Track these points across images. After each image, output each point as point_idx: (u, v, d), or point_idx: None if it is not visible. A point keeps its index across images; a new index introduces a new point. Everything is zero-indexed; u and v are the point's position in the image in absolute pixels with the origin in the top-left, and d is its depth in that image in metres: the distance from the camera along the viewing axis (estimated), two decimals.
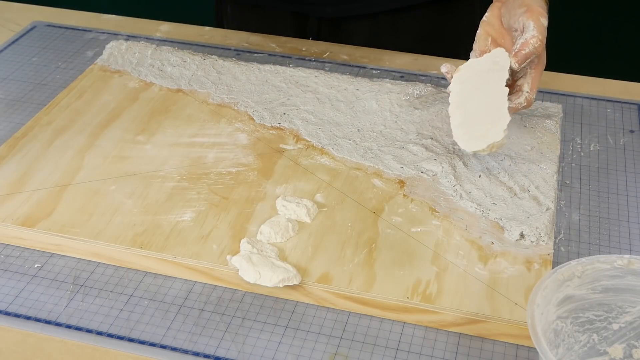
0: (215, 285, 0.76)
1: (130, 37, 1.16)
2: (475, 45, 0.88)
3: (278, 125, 0.94)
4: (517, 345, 0.70)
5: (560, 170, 0.90)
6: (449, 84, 0.87)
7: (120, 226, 0.79)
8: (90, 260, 0.78)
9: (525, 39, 0.82)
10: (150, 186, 0.85)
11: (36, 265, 0.78)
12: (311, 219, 0.80)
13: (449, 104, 0.86)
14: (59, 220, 0.80)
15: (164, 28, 1.20)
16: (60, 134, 0.92)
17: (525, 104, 0.84)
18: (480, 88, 0.84)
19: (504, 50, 0.85)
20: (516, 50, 0.82)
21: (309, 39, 1.17)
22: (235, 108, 0.97)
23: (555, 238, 0.81)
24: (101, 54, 1.08)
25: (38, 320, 0.72)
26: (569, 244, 0.81)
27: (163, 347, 0.70)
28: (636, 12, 2.17)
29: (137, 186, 0.84)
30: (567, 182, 0.89)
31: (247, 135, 0.92)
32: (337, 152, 0.90)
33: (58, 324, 0.72)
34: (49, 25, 1.20)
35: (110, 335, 0.71)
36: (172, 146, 0.91)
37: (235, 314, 0.73)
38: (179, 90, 1.01)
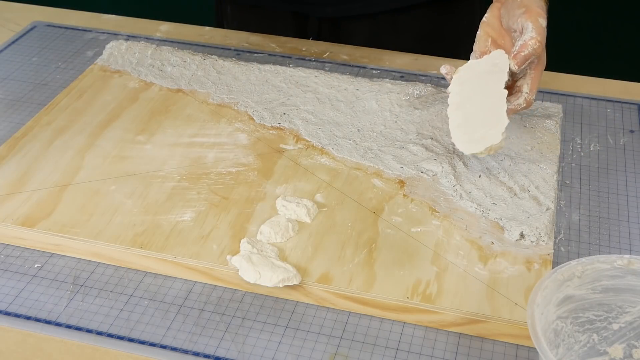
0: (215, 285, 0.76)
1: (130, 37, 1.16)
2: (475, 46, 0.88)
3: (278, 125, 0.94)
4: (517, 345, 0.70)
5: (560, 170, 0.90)
6: (449, 84, 0.87)
7: (120, 226, 0.79)
8: (90, 260, 0.78)
9: (524, 40, 0.82)
10: (150, 186, 0.85)
11: (36, 265, 0.78)
12: (311, 219, 0.80)
13: (448, 104, 0.86)
14: (59, 220, 0.80)
15: (164, 28, 1.20)
16: (60, 134, 0.92)
17: (525, 105, 0.84)
18: (479, 90, 0.84)
19: (504, 52, 0.85)
20: (515, 52, 0.82)
21: (309, 39, 1.17)
22: (235, 108, 0.97)
23: (555, 238, 0.81)
24: (101, 54, 1.08)
25: (38, 320, 0.72)
26: (569, 244, 0.81)
27: (163, 347, 0.70)
28: (636, 12, 2.17)
29: (137, 186, 0.85)
30: (567, 182, 0.89)
31: (247, 135, 0.92)
32: (337, 152, 0.90)
33: (58, 324, 0.72)
34: (49, 25, 1.20)
35: (110, 335, 0.71)
36: (172, 146, 0.91)
37: (235, 314, 0.73)
38: (179, 90, 1.01)
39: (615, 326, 0.66)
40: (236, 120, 0.95)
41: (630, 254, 0.71)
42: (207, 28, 1.20)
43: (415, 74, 1.08)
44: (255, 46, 1.15)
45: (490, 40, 0.88)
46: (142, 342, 0.70)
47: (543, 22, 0.83)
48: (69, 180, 0.85)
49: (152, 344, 0.70)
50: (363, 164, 0.88)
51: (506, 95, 0.83)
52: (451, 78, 0.87)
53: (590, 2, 2.17)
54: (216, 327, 0.72)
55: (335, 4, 1.14)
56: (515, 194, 0.83)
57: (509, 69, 0.83)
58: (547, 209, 0.80)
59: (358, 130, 0.93)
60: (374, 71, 1.08)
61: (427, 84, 1.00)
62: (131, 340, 0.70)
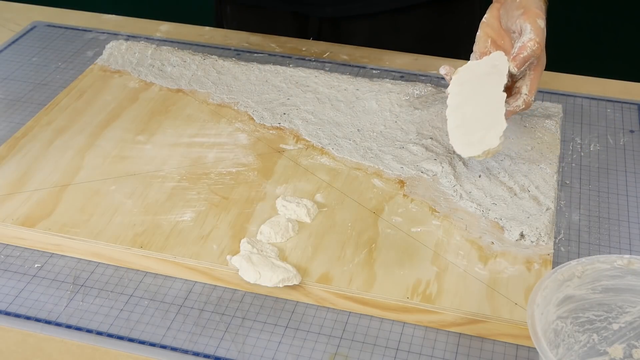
0: (215, 285, 0.76)
1: (130, 37, 1.16)
2: (475, 47, 0.88)
3: (278, 125, 0.94)
4: (517, 345, 0.70)
5: (560, 170, 0.90)
6: (449, 85, 0.87)
7: (120, 226, 0.79)
8: (90, 260, 0.78)
9: (523, 42, 0.82)
10: (150, 186, 0.85)
11: (36, 265, 0.78)
12: (311, 219, 0.80)
13: (447, 105, 0.86)
14: (59, 220, 0.80)
15: (164, 28, 1.20)
16: (60, 134, 0.92)
17: (524, 106, 0.84)
18: (478, 92, 0.84)
19: (503, 54, 0.85)
20: (514, 54, 0.82)
21: (309, 39, 1.17)
22: (235, 108, 0.97)
23: (555, 238, 0.81)
24: (101, 54, 1.08)
25: (38, 320, 0.72)
26: (569, 244, 0.81)
27: (163, 347, 0.70)
28: (636, 12, 2.17)
29: (137, 186, 0.85)
30: (567, 182, 0.89)
31: (247, 135, 0.92)
32: (337, 152, 0.90)
33: (58, 324, 0.72)
34: (49, 25, 1.20)
35: (110, 335, 0.71)
36: (172, 146, 0.91)
37: (235, 314, 0.73)
38: (179, 90, 1.01)
39: (615, 326, 0.66)
40: (236, 120, 0.95)
41: (630, 254, 0.71)
42: (207, 28, 1.20)
43: (415, 74, 1.08)
44: (255, 46, 1.15)
45: (489, 41, 0.87)
46: (142, 342, 0.70)
47: (542, 22, 0.83)
48: (69, 180, 0.85)
49: (152, 344, 0.70)
50: (363, 164, 0.88)
51: (505, 98, 0.82)
52: (450, 79, 0.87)
53: (590, 2, 2.17)
54: (216, 327, 0.72)
55: (335, 4, 1.14)
56: (515, 194, 0.83)
57: (509, 71, 0.83)
58: (547, 209, 0.80)
59: (358, 130, 0.93)
60: (374, 71, 1.08)
61: (427, 84, 1.00)
62: (131, 340, 0.70)
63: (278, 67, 1.04)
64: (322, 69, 1.06)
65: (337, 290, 0.73)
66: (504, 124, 0.81)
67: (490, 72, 0.84)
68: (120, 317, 0.72)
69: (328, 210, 0.82)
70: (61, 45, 1.15)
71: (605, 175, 0.90)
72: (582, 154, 0.93)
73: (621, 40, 2.19)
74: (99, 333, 0.71)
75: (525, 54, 0.81)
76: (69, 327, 0.72)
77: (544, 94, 1.03)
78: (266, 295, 0.75)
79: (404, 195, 0.84)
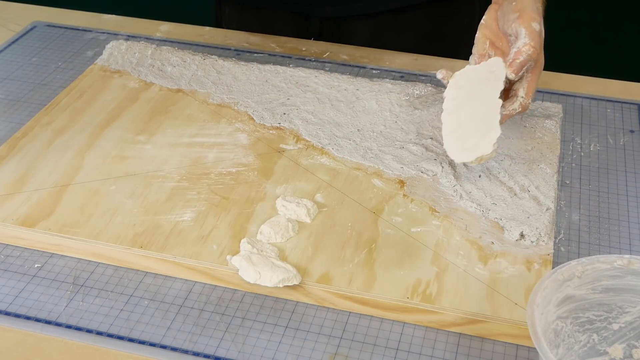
0: (215, 285, 0.76)
1: (130, 37, 1.16)
2: (473, 49, 0.88)
3: (278, 125, 0.94)
4: (517, 345, 0.70)
5: (560, 170, 0.90)
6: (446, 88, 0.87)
7: (120, 226, 0.79)
8: (90, 260, 0.78)
9: (518, 47, 0.81)
10: (150, 186, 0.85)
11: (36, 265, 0.78)
12: (311, 219, 0.80)
13: (442, 110, 0.86)
14: (59, 220, 0.80)
15: (164, 28, 1.20)
16: (60, 134, 0.92)
17: (520, 109, 0.84)
18: (474, 97, 0.84)
19: (501, 60, 0.84)
20: (511, 60, 0.82)
21: (310, 39, 1.17)
22: (235, 108, 0.97)
23: (555, 238, 0.81)
24: (101, 54, 1.08)
25: (38, 320, 0.72)
26: (569, 244, 0.81)
27: (163, 347, 0.70)
28: (636, 12, 2.17)
29: (137, 186, 0.85)
30: (567, 182, 0.89)
31: (247, 135, 0.92)
32: (337, 152, 0.90)
33: (58, 324, 0.72)
34: (49, 25, 1.20)
35: (110, 335, 0.71)
36: (172, 146, 0.91)
37: (235, 314, 0.73)
38: (179, 90, 1.01)
39: (615, 326, 0.66)
40: (236, 120, 0.95)
41: (630, 254, 0.71)
42: (207, 28, 1.20)
43: (415, 74, 1.08)
44: (255, 46, 1.15)
45: (488, 43, 0.87)
46: (142, 342, 0.70)
47: (537, 26, 0.82)
48: (69, 180, 0.85)
49: (152, 344, 0.70)
50: (363, 164, 0.88)
51: (500, 104, 0.82)
52: (447, 83, 0.87)
53: (590, 2, 2.17)
54: (216, 327, 0.72)
55: (335, 4, 1.14)
56: (515, 194, 0.83)
57: (506, 78, 0.82)
58: (547, 209, 0.80)
59: (358, 130, 0.93)
60: (374, 71, 1.08)
61: (427, 84, 1.00)
62: (131, 340, 0.70)
63: (278, 67, 1.04)
64: (322, 69, 1.06)
65: (337, 290, 0.73)
66: (498, 131, 0.81)
67: (487, 78, 0.84)
68: (120, 317, 0.72)
69: (328, 210, 0.82)
70: (61, 45, 1.15)
71: (605, 175, 0.90)
72: (582, 154, 0.93)
73: (621, 40, 2.19)
74: (99, 333, 0.71)
75: (522, 59, 0.81)
76: (69, 327, 0.72)
77: (544, 94, 1.03)
78: (266, 295, 0.75)
79: (404, 195, 0.84)
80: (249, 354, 0.69)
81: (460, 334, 0.71)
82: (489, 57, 0.86)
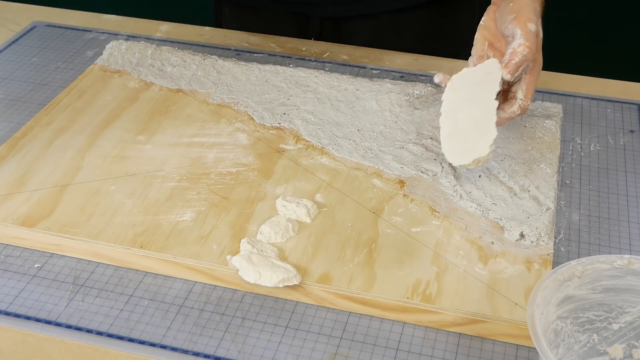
0: (215, 285, 0.76)
1: (130, 37, 1.16)
2: (472, 50, 0.88)
3: (278, 125, 0.94)
4: (517, 345, 0.70)
5: (560, 170, 0.90)
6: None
7: (120, 226, 0.79)
8: (90, 260, 0.78)
9: (513, 48, 0.81)
10: (150, 186, 0.85)
11: (36, 265, 0.78)
12: (311, 219, 0.80)
13: (440, 113, 0.86)
14: (59, 220, 0.80)
15: (164, 28, 1.20)
16: (60, 134, 0.92)
17: (519, 112, 0.83)
18: (471, 100, 0.84)
19: (497, 61, 0.84)
20: (506, 61, 0.82)
21: (310, 39, 1.17)
22: (235, 108, 0.97)
23: (555, 238, 0.81)
24: (101, 54, 1.08)
25: (38, 320, 0.72)
26: (569, 244, 0.81)
27: (163, 347, 0.70)
28: (636, 12, 2.17)
29: (137, 186, 0.85)
30: (567, 182, 0.89)
31: (247, 135, 0.92)
32: (337, 152, 0.90)
33: (58, 324, 0.72)
34: (49, 25, 1.20)
35: (110, 335, 0.71)
36: (172, 146, 0.91)
37: (235, 314, 0.73)
38: (179, 90, 1.01)
39: (615, 326, 0.66)
40: (236, 120, 0.95)
41: (630, 254, 0.71)
42: (207, 28, 1.20)
43: (415, 74, 1.08)
44: (255, 46, 1.15)
45: (487, 44, 0.87)
46: (142, 342, 0.70)
47: (532, 26, 0.82)
48: (69, 180, 0.85)
49: (152, 344, 0.70)
50: (363, 164, 0.88)
51: (497, 106, 0.82)
52: (445, 86, 0.87)
53: (590, 2, 2.17)
54: (216, 327, 0.72)
55: (336, 4, 1.14)
56: (515, 194, 0.83)
57: (502, 79, 0.82)
58: (547, 209, 0.80)
59: (358, 130, 0.93)
60: (374, 71, 1.08)
61: (427, 84, 1.00)
62: (131, 340, 0.70)
63: (278, 67, 1.04)
64: (322, 69, 1.06)
65: (337, 290, 0.73)
66: (494, 133, 0.81)
67: (483, 80, 0.84)
68: (120, 317, 0.72)
69: (328, 210, 0.82)
70: (61, 45, 1.15)
71: (605, 175, 0.90)
72: (582, 154, 0.93)
73: (621, 40, 2.19)
74: (99, 333, 0.71)
75: (517, 59, 0.81)
76: (69, 327, 0.72)
77: (544, 94, 1.03)
78: (266, 295, 0.75)
79: (404, 195, 0.84)
80: (249, 354, 0.69)
81: (460, 334, 0.71)
82: (488, 58, 0.86)
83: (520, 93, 0.83)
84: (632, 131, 0.97)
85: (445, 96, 0.86)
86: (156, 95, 1.00)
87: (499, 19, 0.86)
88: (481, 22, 0.88)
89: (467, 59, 0.89)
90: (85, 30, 1.18)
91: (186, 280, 0.76)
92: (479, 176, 0.85)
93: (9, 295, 0.75)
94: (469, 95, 0.84)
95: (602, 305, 0.66)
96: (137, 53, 1.07)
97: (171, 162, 0.88)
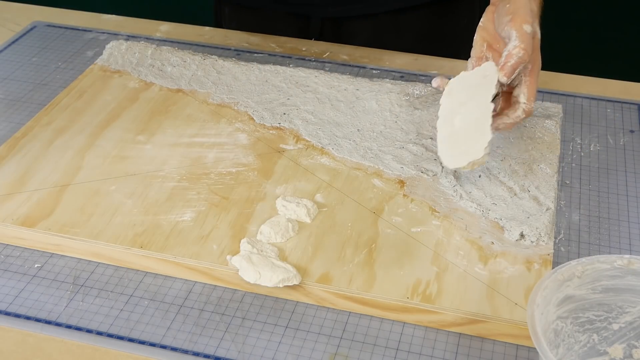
0: (215, 285, 0.76)
1: (130, 37, 1.16)
2: (472, 52, 0.88)
3: (278, 125, 0.94)
4: (517, 345, 0.70)
5: (560, 170, 0.90)
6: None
7: (120, 226, 0.79)
8: (90, 260, 0.78)
9: (508, 50, 0.81)
10: (150, 186, 0.85)
11: (36, 265, 0.78)
12: (311, 219, 0.80)
13: (438, 117, 0.86)
14: (59, 220, 0.80)
15: (164, 28, 1.20)
16: (60, 134, 0.92)
17: (524, 115, 0.82)
18: (467, 103, 0.84)
19: (494, 64, 0.84)
20: (502, 63, 0.81)
21: (310, 39, 1.17)
22: (235, 108, 0.97)
23: (555, 238, 0.81)
24: (101, 54, 1.08)
25: (38, 320, 0.72)
26: (569, 244, 0.81)
27: (163, 347, 0.70)
28: (636, 12, 2.17)
29: (137, 186, 0.85)
30: (567, 182, 0.89)
31: (247, 135, 0.92)
32: (337, 152, 0.90)
33: (58, 324, 0.72)
34: (49, 25, 1.20)
35: (110, 335, 0.71)
36: (172, 146, 0.91)
37: (235, 314, 0.73)
38: (179, 90, 1.01)
39: (615, 326, 0.66)
40: (236, 120, 0.95)
41: (630, 254, 0.71)
42: (207, 28, 1.20)
43: (415, 74, 1.08)
44: (255, 46, 1.15)
45: (485, 45, 0.87)
46: (142, 342, 0.70)
47: (528, 28, 0.81)
48: (69, 180, 0.85)
49: (152, 344, 0.70)
50: (363, 164, 0.88)
51: (492, 109, 0.82)
52: (443, 90, 0.87)
53: (590, 2, 2.17)
54: (216, 327, 0.72)
55: (337, 5, 1.14)
56: (515, 194, 0.83)
57: (499, 81, 0.82)
58: (547, 209, 0.80)
59: (358, 130, 0.93)
60: (374, 71, 1.09)
61: (427, 84, 1.00)
62: (131, 340, 0.70)
63: (278, 67, 1.04)
64: (322, 69, 1.06)
65: (337, 290, 0.73)
66: (489, 136, 0.80)
67: (480, 83, 0.84)
68: (120, 317, 0.72)
69: (328, 210, 0.82)
70: (61, 45, 1.15)
71: (605, 175, 0.90)
72: (582, 154, 0.93)
73: (621, 40, 2.19)
74: (99, 333, 0.71)
75: (513, 62, 0.81)
76: (69, 327, 0.72)
77: (544, 94, 1.03)
78: (266, 295, 0.75)
79: (404, 195, 0.84)
80: (249, 354, 0.69)
81: (460, 334, 0.71)
82: (486, 59, 0.86)
83: (523, 97, 0.82)
84: (632, 131, 0.97)
85: (443, 100, 0.86)
86: (156, 95, 1.00)
87: (496, 20, 0.86)
88: (480, 23, 0.88)
89: (467, 59, 0.89)
90: (85, 30, 1.18)
91: (186, 280, 0.76)
92: (479, 176, 0.85)
93: (9, 295, 0.75)
94: (465, 99, 0.84)
95: (602, 305, 0.66)
96: (137, 53, 1.07)
97: (171, 162, 0.88)
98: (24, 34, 1.17)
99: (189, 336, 0.71)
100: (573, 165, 0.91)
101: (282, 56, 1.12)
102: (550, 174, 0.85)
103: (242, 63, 1.05)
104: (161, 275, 0.77)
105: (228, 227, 0.79)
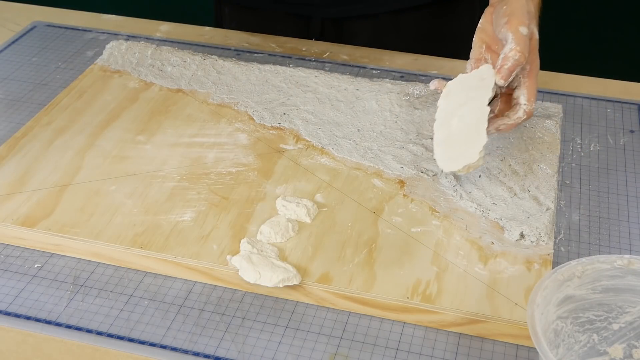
0: (215, 285, 0.76)
1: (130, 37, 1.16)
2: (471, 53, 0.88)
3: (278, 125, 0.94)
4: (517, 345, 0.70)
5: (560, 170, 0.90)
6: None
7: (120, 226, 0.79)
8: (90, 260, 0.78)
9: (505, 53, 0.81)
10: (150, 186, 0.85)
11: (36, 265, 0.78)
12: (311, 219, 0.80)
13: (435, 119, 0.85)
14: (59, 220, 0.80)
15: (164, 28, 1.20)
16: (60, 134, 0.92)
17: (525, 116, 0.82)
18: (464, 106, 0.84)
19: (491, 67, 0.84)
20: (498, 66, 0.81)
21: (311, 39, 1.17)
22: (235, 108, 0.97)
23: (555, 238, 0.81)
24: (101, 54, 1.08)
25: (38, 320, 0.72)
26: (569, 244, 0.81)
27: (163, 347, 0.70)
28: (636, 12, 2.17)
29: (137, 186, 0.85)
30: (567, 182, 0.89)
31: (247, 135, 0.92)
32: (337, 152, 0.90)
33: (58, 324, 0.72)
34: (49, 25, 1.20)
35: (110, 335, 0.71)
36: (172, 146, 0.91)
37: (235, 314, 0.73)
38: (179, 90, 1.01)
39: (615, 326, 0.66)
40: (236, 120, 0.95)
41: (630, 254, 0.71)
42: (207, 28, 1.20)
43: (415, 74, 1.08)
44: (255, 46, 1.15)
45: (484, 47, 0.87)
46: (142, 342, 0.70)
47: (524, 30, 0.81)
48: (69, 180, 0.85)
49: (152, 344, 0.70)
50: (363, 164, 0.88)
51: (488, 112, 0.82)
52: (441, 92, 0.87)
53: (590, 2, 2.17)
54: (216, 327, 0.72)
55: (338, 5, 1.14)
56: (515, 194, 0.83)
57: (495, 84, 0.82)
58: (547, 209, 0.80)
59: (358, 130, 0.93)
60: (374, 71, 1.09)
61: (427, 84, 1.00)
62: (131, 340, 0.70)
63: (278, 67, 1.04)
64: (322, 69, 1.06)
65: (337, 290, 0.73)
66: (484, 139, 0.80)
67: (477, 86, 0.83)
68: (120, 317, 0.72)
69: (328, 210, 0.82)
70: (61, 45, 1.15)
71: (605, 175, 0.90)
72: (582, 154, 0.93)
73: (621, 40, 2.19)
74: (99, 333, 0.71)
75: (509, 64, 0.81)
76: (69, 327, 0.72)
77: (544, 94, 1.03)
78: (266, 295, 0.75)
79: (404, 195, 0.84)
80: (249, 354, 0.69)
81: (460, 334, 0.71)
82: (485, 61, 0.86)
83: (523, 98, 0.82)
84: (632, 131, 0.97)
85: (440, 102, 0.86)
86: (156, 95, 1.00)
87: (494, 21, 0.86)
88: (479, 24, 0.88)
89: (467, 59, 0.89)
90: (85, 30, 1.18)
91: (186, 280, 0.76)
92: (479, 176, 0.85)
93: (9, 295, 0.75)
94: (463, 102, 0.84)
95: (602, 305, 0.66)
96: (137, 53, 1.07)
97: (171, 162, 0.88)
98: (24, 34, 1.17)
99: (189, 336, 0.71)
100: (573, 165, 0.91)
101: (282, 56, 1.12)
102: (550, 174, 0.85)
103: (242, 63, 1.05)
104: (161, 275, 0.77)
105: (228, 227, 0.79)
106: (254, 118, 0.95)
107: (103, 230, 0.79)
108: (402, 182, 0.85)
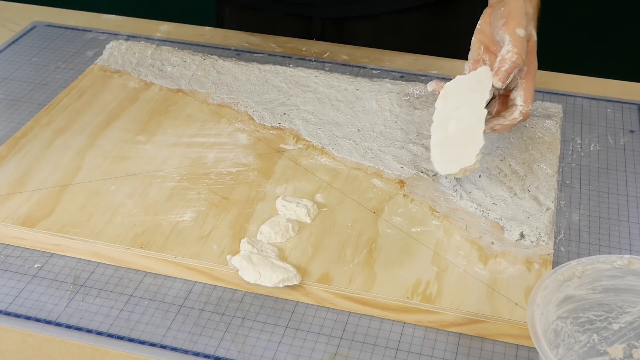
0: (215, 285, 0.76)
1: (130, 37, 1.16)
2: (469, 55, 0.87)
3: (278, 125, 0.94)
4: (517, 345, 0.70)
5: (560, 170, 0.90)
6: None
7: (120, 226, 0.79)
8: (90, 260, 0.78)
9: (502, 55, 0.81)
10: (150, 186, 0.85)
11: (36, 265, 0.78)
12: (311, 219, 0.80)
13: (432, 121, 0.85)
14: (59, 220, 0.80)
15: (164, 28, 1.20)
16: (60, 134, 0.93)
17: (521, 117, 0.82)
18: (461, 108, 0.84)
19: (489, 69, 0.84)
20: (496, 68, 0.81)
21: (312, 39, 1.17)
22: (235, 108, 0.97)
23: (555, 238, 0.81)
24: (101, 54, 1.08)
25: (38, 320, 0.72)
26: (569, 244, 0.81)
27: (163, 347, 0.70)
28: (636, 12, 2.17)
29: (137, 186, 0.85)
30: (567, 182, 0.89)
31: (247, 135, 0.92)
32: (337, 152, 0.90)
33: (58, 324, 0.72)
34: (49, 25, 1.20)
35: (110, 335, 0.71)
36: (172, 146, 0.91)
37: (235, 314, 0.73)
38: (179, 90, 1.01)
39: (615, 326, 0.66)
40: (236, 120, 0.95)
41: (630, 254, 0.71)
42: (207, 28, 1.20)
43: (415, 74, 1.08)
44: (255, 46, 1.15)
45: (482, 48, 0.86)
46: (142, 342, 0.70)
47: (521, 32, 0.81)
48: (69, 180, 0.85)
49: (152, 344, 0.70)
50: (363, 164, 0.88)
51: (485, 114, 0.82)
52: (439, 94, 0.87)
53: (590, 2, 2.17)
54: (216, 327, 0.72)
55: (338, 5, 1.14)
56: (515, 194, 0.83)
57: (493, 86, 0.82)
58: (547, 209, 0.80)
59: (358, 130, 0.93)
60: (374, 71, 1.09)
61: (427, 84, 0.99)
62: (131, 340, 0.70)
63: (278, 67, 1.04)
64: (322, 69, 1.06)
65: (337, 290, 0.73)
66: (481, 142, 0.80)
67: (475, 88, 0.83)
68: (120, 317, 0.72)
69: (328, 210, 0.82)
70: (61, 45, 1.15)
71: (605, 175, 0.90)
72: (582, 154, 0.93)
73: (621, 40, 2.19)
74: (99, 333, 0.71)
75: (506, 66, 0.80)
76: (69, 327, 0.72)
77: (544, 94, 1.03)
78: (266, 295, 0.75)
79: (404, 195, 0.84)
80: (249, 354, 0.69)
81: (460, 334, 0.71)
82: (483, 62, 0.86)
83: (520, 99, 0.82)
84: (632, 131, 0.97)
85: (438, 104, 0.86)
86: (156, 95, 1.00)
87: (492, 23, 0.86)
88: (477, 25, 0.88)
89: (467, 60, 0.89)
90: (85, 30, 1.18)
91: (186, 280, 0.76)
92: (479, 176, 0.85)
93: (9, 295, 0.75)
94: (459, 104, 0.84)
95: (602, 305, 0.66)
96: (137, 53, 1.07)
97: (171, 162, 0.88)
98: (24, 34, 1.17)
99: (189, 336, 0.71)
100: (573, 165, 0.91)
101: (282, 56, 1.12)
102: (550, 174, 0.85)
103: (242, 63, 1.05)
104: (161, 275, 0.77)
105: (228, 227, 0.79)
106: (254, 118, 0.95)
107: (103, 230, 0.79)
108: (402, 182, 0.85)
